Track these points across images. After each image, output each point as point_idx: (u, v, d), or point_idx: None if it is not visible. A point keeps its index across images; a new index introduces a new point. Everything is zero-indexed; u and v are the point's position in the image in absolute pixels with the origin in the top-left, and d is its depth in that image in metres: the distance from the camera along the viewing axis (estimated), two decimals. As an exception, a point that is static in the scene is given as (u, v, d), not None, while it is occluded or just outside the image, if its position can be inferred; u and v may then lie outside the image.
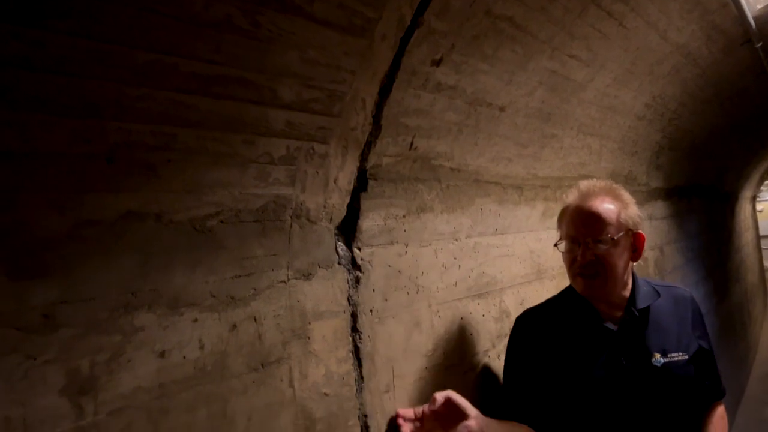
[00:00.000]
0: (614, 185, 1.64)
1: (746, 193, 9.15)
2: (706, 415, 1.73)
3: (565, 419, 1.61)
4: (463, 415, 1.36)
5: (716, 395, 1.75)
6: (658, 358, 1.56)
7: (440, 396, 1.37)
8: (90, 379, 0.86)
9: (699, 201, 5.34)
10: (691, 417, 1.63)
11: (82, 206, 0.85)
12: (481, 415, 1.39)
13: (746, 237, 8.93)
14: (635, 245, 1.61)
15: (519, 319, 1.72)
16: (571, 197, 1.63)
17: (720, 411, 1.75)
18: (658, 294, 1.66)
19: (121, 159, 0.88)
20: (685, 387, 1.58)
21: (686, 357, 1.60)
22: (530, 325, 1.69)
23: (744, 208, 9.12)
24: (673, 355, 1.58)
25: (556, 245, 1.66)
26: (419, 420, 1.38)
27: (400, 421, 1.38)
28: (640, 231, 1.61)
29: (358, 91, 1.24)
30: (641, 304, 1.61)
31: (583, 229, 1.56)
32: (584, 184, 1.63)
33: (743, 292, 7.46)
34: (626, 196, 1.63)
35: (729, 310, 6.09)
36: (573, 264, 1.59)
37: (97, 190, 0.87)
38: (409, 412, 1.40)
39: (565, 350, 1.60)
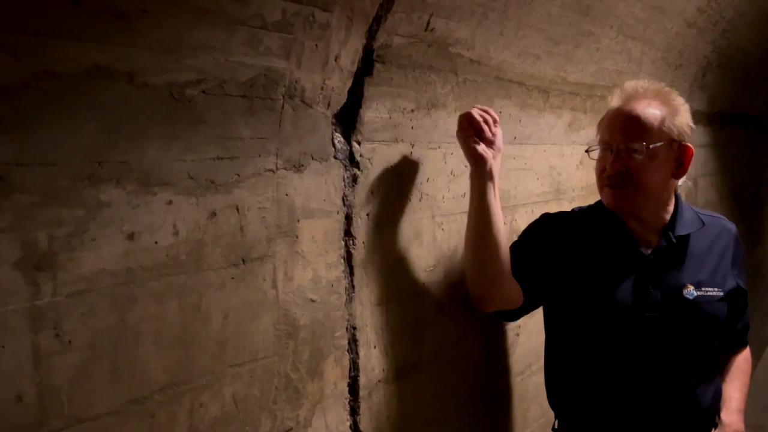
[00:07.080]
0: (666, 88, 1.59)
1: (796, 130, 9.06)
2: (730, 357, 1.76)
3: (576, 336, 1.63)
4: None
5: (741, 341, 1.79)
6: (691, 290, 1.56)
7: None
8: (48, 255, 0.85)
9: (742, 132, 5.28)
10: (713, 357, 1.66)
11: (42, 54, 0.82)
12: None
13: (789, 179, 8.92)
14: (680, 159, 1.56)
15: (546, 215, 1.73)
16: (614, 99, 1.60)
17: (745, 354, 1.79)
18: (703, 223, 1.64)
19: (88, 1, 0.84)
20: (714, 325, 1.60)
21: (721, 293, 1.60)
22: (557, 226, 1.69)
23: (791, 147, 9.06)
24: (707, 289, 1.59)
25: (587, 151, 1.65)
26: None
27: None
28: (688, 143, 1.56)
29: (370, -49, 1.18)
30: (681, 230, 1.60)
31: (616, 134, 1.53)
32: (630, 85, 1.58)
33: (778, 239, 7.52)
34: (679, 101, 1.57)
35: (761, 259, 6.16)
36: (602, 173, 1.57)
37: (60, 36, 0.83)
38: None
39: (590, 266, 1.60)
